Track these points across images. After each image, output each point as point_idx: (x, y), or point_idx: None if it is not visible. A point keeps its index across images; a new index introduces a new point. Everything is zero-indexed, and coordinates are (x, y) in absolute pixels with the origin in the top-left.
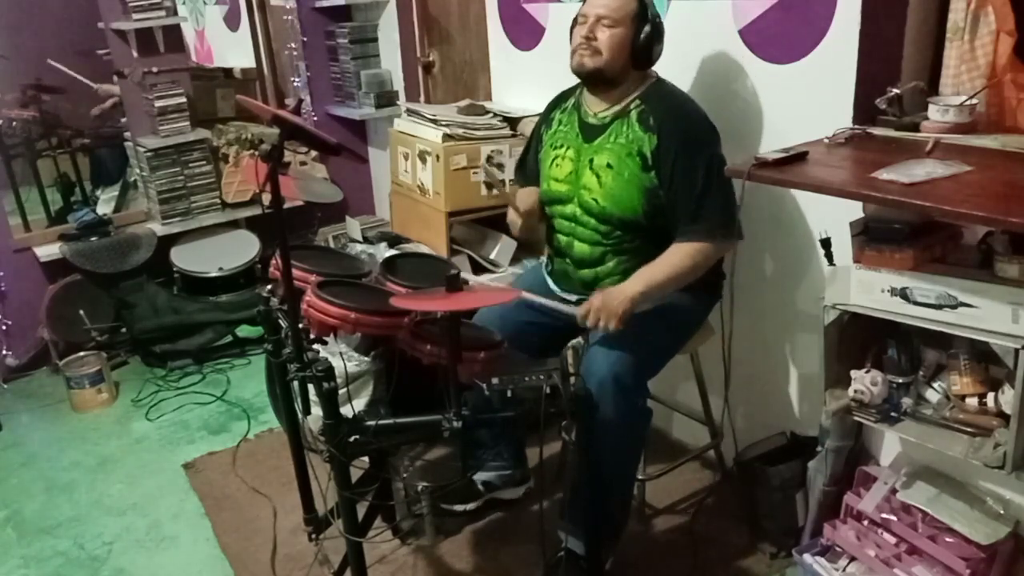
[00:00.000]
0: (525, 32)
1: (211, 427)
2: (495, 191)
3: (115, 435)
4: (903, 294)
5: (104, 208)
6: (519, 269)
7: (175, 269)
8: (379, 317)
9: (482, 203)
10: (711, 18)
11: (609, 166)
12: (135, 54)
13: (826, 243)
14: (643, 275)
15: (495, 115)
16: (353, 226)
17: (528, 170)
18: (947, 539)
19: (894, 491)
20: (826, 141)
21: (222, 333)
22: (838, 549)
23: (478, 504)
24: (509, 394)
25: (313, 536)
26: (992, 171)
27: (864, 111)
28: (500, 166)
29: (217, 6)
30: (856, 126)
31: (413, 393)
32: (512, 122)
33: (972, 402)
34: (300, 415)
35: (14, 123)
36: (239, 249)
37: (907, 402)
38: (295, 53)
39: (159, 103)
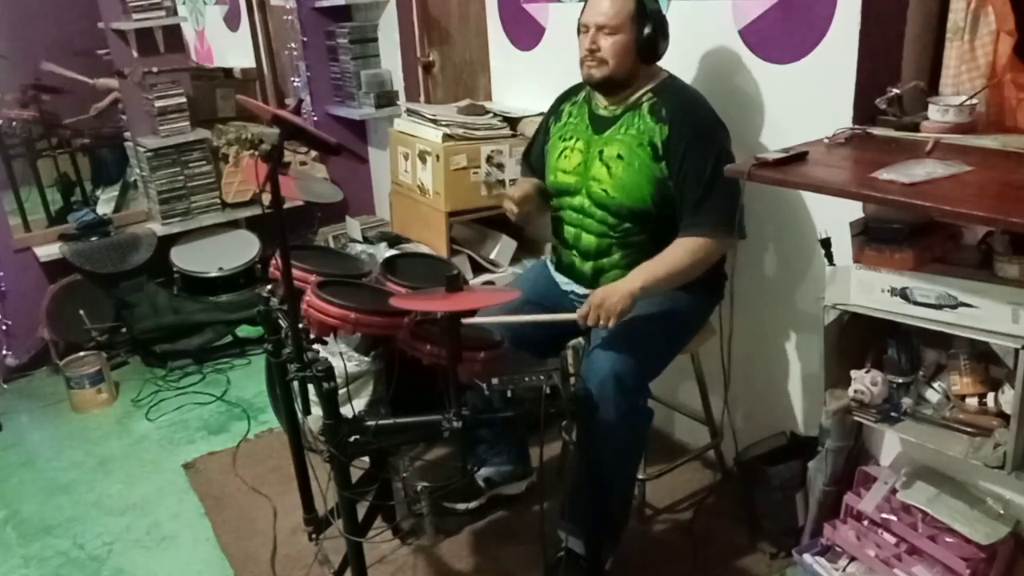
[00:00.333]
0: (525, 32)
1: (211, 427)
2: (495, 191)
3: (115, 435)
4: (903, 294)
5: (104, 208)
6: (519, 269)
7: (175, 269)
8: (379, 317)
9: (482, 203)
10: (711, 18)
11: (620, 157)
12: (135, 54)
13: (826, 243)
14: (643, 271)
15: (495, 115)
16: (353, 226)
17: (533, 161)
18: (947, 539)
19: (894, 491)
20: (826, 141)
21: (222, 333)
22: (838, 549)
23: (480, 502)
24: (509, 394)
25: (313, 536)
26: (992, 171)
27: (864, 111)
28: (500, 166)
29: (217, 6)
30: (856, 126)
31: (413, 393)
32: (512, 122)
33: (972, 402)
34: (300, 415)
35: (14, 123)
36: (239, 249)
37: (907, 402)
38: (295, 53)
39: (159, 103)
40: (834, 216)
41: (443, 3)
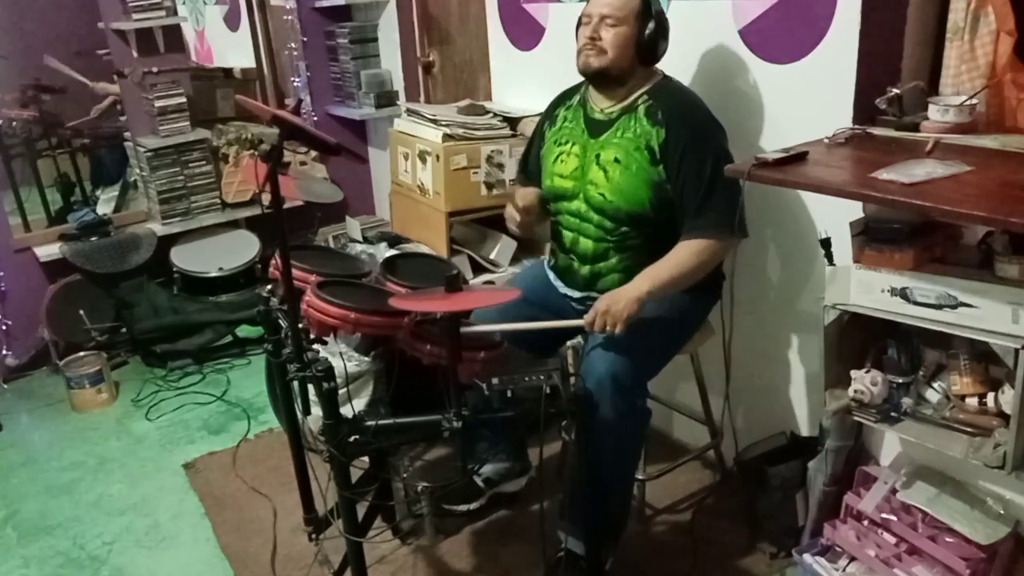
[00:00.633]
0: (525, 32)
1: (211, 427)
2: (495, 191)
3: (115, 435)
4: (903, 294)
5: (104, 208)
6: (519, 269)
7: (175, 269)
8: (379, 317)
9: (482, 203)
10: (711, 18)
11: (616, 160)
12: (135, 54)
13: (826, 243)
14: (648, 275)
15: (495, 115)
16: (353, 226)
17: (530, 169)
18: (947, 539)
19: (894, 491)
20: (826, 141)
21: (222, 333)
22: (838, 549)
23: (481, 502)
24: (509, 394)
25: (313, 536)
26: (992, 171)
27: (864, 111)
28: (500, 166)
29: (217, 6)
30: (856, 126)
31: (413, 393)
32: (512, 122)
33: (972, 402)
34: (300, 415)
35: (14, 123)
36: (239, 249)
37: (907, 402)
38: (295, 53)
39: (159, 103)
40: (834, 216)
41: (443, 3)
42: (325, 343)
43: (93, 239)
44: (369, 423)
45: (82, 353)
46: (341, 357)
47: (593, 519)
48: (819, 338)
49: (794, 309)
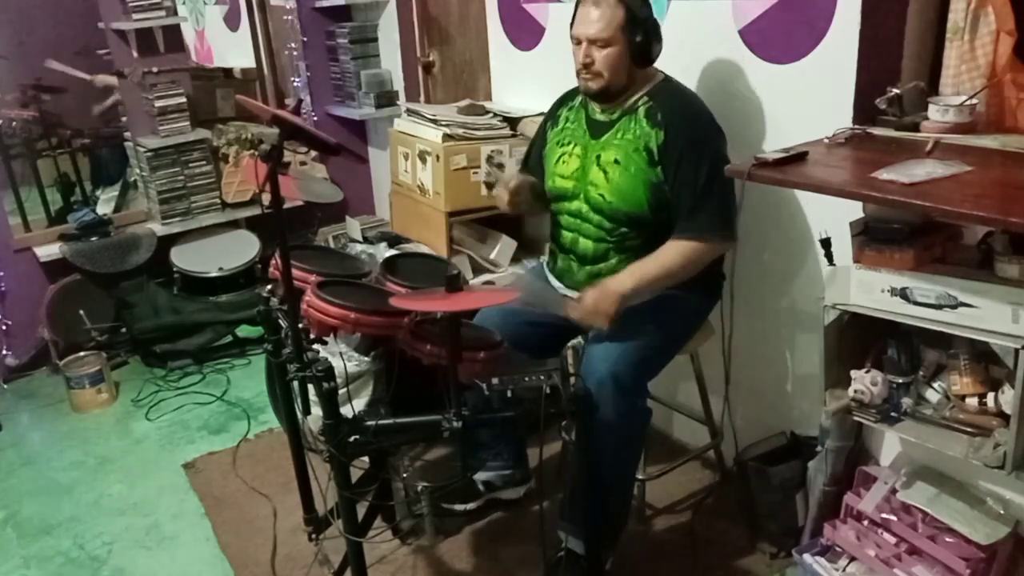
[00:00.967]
0: (525, 32)
1: (211, 427)
2: (495, 191)
3: (115, 435)
4: (903, 294)
5: (104, 208)
6: (519, 269)
7: (175, 269)
8: (379, 317)
9: (482, 203)
10: (711, 18)
11: (616, 162)
12: (135, 54)
13: (826, 243)
14: (634, 272)
15: (495, 115)
16: (353, 226)
17: (531, 168)
18: (947, 539)
19: (894, 491)
20: (826, 141)
21: (222, 333)
22: (838, 549)
23: (478, 504)
24: (509, 394)
25: (313, 536)
26: (992, 171)
27: (864, 111)
28: (500, 166)
29: (217, 6)
30: (856, 126)
31: (413, 393)
32: (512, 122)
33: (972, 402)
34: (300, 415)
35: (14, 123)
36: (239, 249)
37: (907, 402)
38: (295, 53)
39: (159, 103)
40: (834, 216)
41: (443, 3)
42: (325, 343)
43: (93, 239)
44: (369, 423)
45: (82, 353)
46: (341, 357)
47: (593, 519)
48: (819, 338)
49: (794, 309)
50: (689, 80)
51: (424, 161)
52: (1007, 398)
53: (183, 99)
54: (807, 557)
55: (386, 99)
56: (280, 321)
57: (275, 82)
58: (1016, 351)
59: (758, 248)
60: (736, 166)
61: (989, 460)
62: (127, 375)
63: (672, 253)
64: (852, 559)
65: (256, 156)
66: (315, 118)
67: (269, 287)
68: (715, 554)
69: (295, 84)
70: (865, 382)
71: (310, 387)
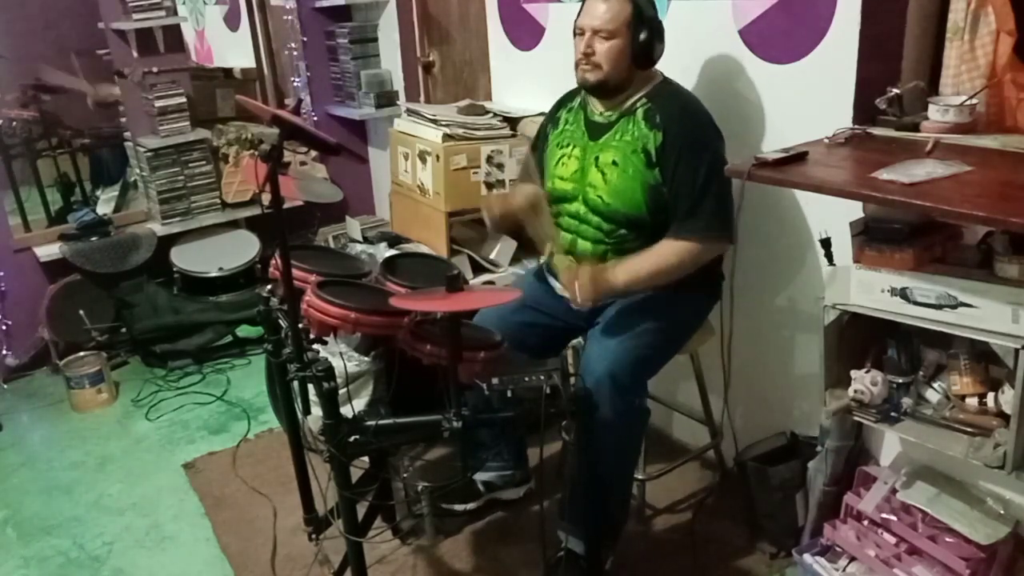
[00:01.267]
0: (525, 32)
1: (211, 427)
2: (495, 191)
3: (115, 435)
4: (903, 294)
5: (104, 208)
6: (519, 269)
7: (175, 269)
8: (379, 317)
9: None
10: (711, 18)
11: (615, 163)
12: (135, 54)
13: (826, 243)
14: (628, 267)
15: (495, 115)
16: (353, 226)
17: (535, 170)
18: (947, 539)
19: (894, 491)
20: (826, 141)
21: (222, 333)
22: (838, 549)
23: (478, 504)
24: (509, 394)
25: (313, 536)
26: (992, 171)
27: (864, 111)
28: (500, 166)
29: (217, 6)
30: (856, 126)
31: (413, 393)
32: (512, 122)
33: (972, 402)
34: (300, 415)
35: (14, 123)
36: (239, 249)
37: (907, 402)
38: (295, 53)
39: (159, 103)
40: (834, 216)
41: (443, 3)
42: (325, 343)
43: (93, 239)
44: (369, 423)
45: (82, 353)
46: (341, 357)
47: (593, 519)
48: (819, 338)
49: (794, 309)
50: (689, 80)
51: (424, 161)
52: (1007, 398)
53: (183, 99)
54: (807, 557)
55: (386, 99)
56: (280, 321)
57: (275, 82)
58: (1016, 351)
59: (758, 248)
60: (736, 166)
61: (989, 460)
62: (127, 375)
63: (667, 252)
64: (852, 559)
65: (256, 156)
66: (315, 118)
67: (269, 287)
68: (715, 554)
69: (295, 84)
70: (865, 382)
71: (310, 387)
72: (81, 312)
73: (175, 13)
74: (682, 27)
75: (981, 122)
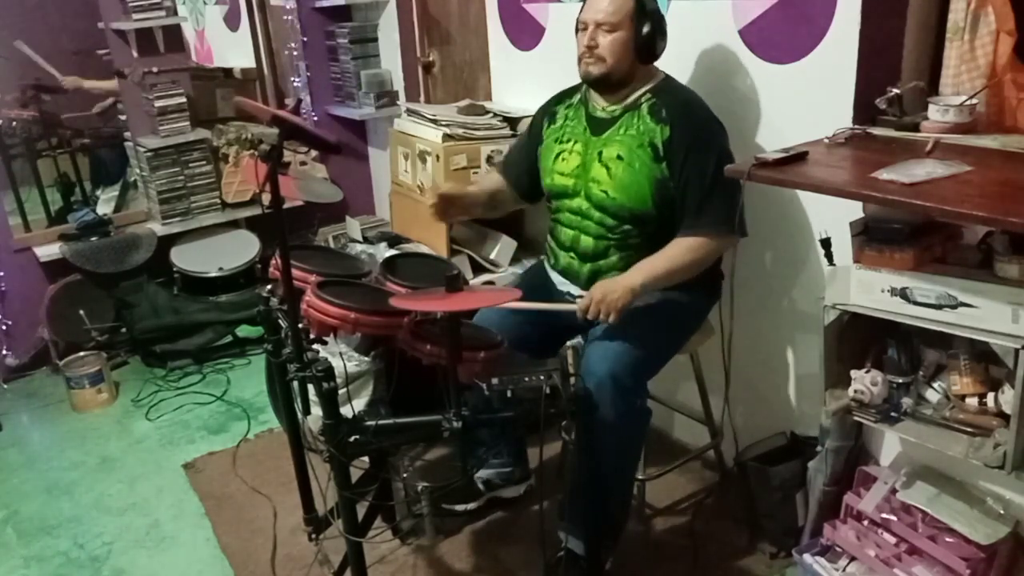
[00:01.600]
0: (525, 32)
1: (211, 427)
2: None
3: (115, 435)
4: (903, 294)
5: (104, 208)
6: (519, 269)
7: (175, 269)
8: (379, 317)
9: None
10: (711, 18)
11: (619, 158)
12: (135, 54)
13: (826, 243)
14: (643, 267)
15: (495, 115)
16: (353, 226)
17: (510, 164)
18: (947, 539)
19: (894, 491)
20: (826, 141)
21: (222, 333)
22: (838, 549)
23: (479, 504)
24: (509, 394)
25: (313, 536)
26: (992, 171)
27: (864, 111)
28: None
29: (217, 6)
30: (856, 126)
31: (413, 393)
32: (512, 122)
33: (972, 402)
34: (300, 415)
35: (14, 123)
36: (239, 249)
37: (907, 402)
38: (295, 53)
39: (159, 103)
40: (834, 216)
41: (443, 3)
42: (325, 343)
43: (93, 239)
44: (369, 423)
45: (82, 353)
46: (341, 357)
47: (593, 519)
48: (819, 338)
49: (794, 309)
50: (689, 80)
51: (424, 161)
52: (1007, 398)
53: (183, 99)
54: (807, 557)
55: (386, 99)
56: (280, 321)
57: (275, 82)
58: (1016, 351)
59: (758, 248)
60: (736, 166)
61: (989, 460)
62: (127, 375)
63: (681, 249)
64: (852, 559)
65: (256, 156)
66: (315, 118)
67: (269, 287)
68: (715, 554)
69: (295, 84)
70: (865, 382)
71: (310, 387)
72: (81, 312)
73: (175, 13)
74: (682, 27)
75: (981, 122)
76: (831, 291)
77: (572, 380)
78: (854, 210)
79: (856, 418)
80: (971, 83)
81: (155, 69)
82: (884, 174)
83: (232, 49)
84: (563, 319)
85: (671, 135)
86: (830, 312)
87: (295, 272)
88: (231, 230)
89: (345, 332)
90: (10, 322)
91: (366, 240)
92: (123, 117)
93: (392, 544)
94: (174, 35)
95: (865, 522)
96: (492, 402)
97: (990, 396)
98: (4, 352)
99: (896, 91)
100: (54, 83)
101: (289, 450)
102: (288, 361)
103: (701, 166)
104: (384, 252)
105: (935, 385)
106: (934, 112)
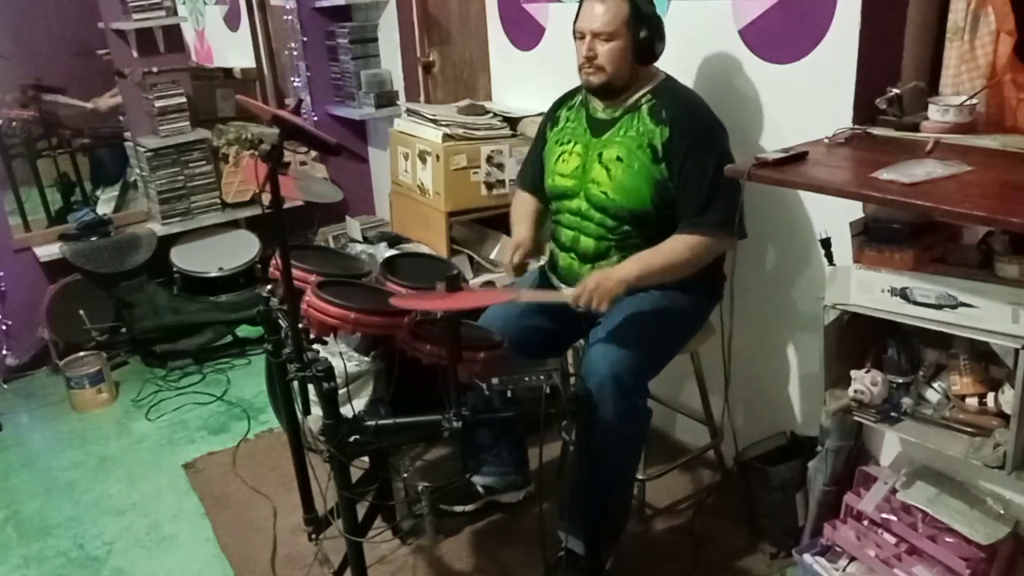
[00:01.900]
0: (525, 32)
1: (211, 427)
2: (495, 191)
3: (115, 435)
4: (903, 294)
5: (104, 208)
6: None
7: (175, 269)
8: (379, 317)
9: (482, 203)
10: (711, 18)
11: (619, 159)
12: (135, 54)
13: (826, 243)
14: (640, 260)
15: (495, 115)
16: (353, 226)
17: (528, 176)
18: (947, 539)
19: (894, 491)
20: (826, 141)
21: (222, 333)
22: (838, 549)
23: (477, 506)
24: (509, 394)
25: (313, 536)
26: (992, 171)
27: (864, 111)
28: (500, 166)
29: (217, 6)
30: (856, 126)
31: (413, 393)
32: (512, 122)
33: (972, 402)
34: (300, 415)
35: (14, 123)
36: (239, 249)
37: (907, 402)
38: (295, 53)
39: (159, 103)
40: (834, 216)
41: (443, 3)
42: (325, 343)
43: (93, 239)
44: (369, 423)
45: (82, 353)
46: (341, 357)
47: (593, 519)
48: (819, 338)
49: (794, 309)
50: (689, 80)
51: (424, 161)
52: (1007, 398)
53: (183, 99)
54: (807, 557)
55: (386, 99)
56: (280, 321)
57: (275, 82)
58: (1016, 351)
59: (758, 248)
60: (736, 166)
61: (989, 460)
62: (127, 375)
63: (679, 246)
64: (852, 559)
65: (256, 156)
66: (315, 118)
67: (269, 287)
68: (715, 554)
69: (295, 84)
70: (865, 382)
71: (310, 387)
72: (81, 312)
73: (175, 13)
74: (682, 27)
75: (981, 122)
76: (831, 291)
77: (572, 380)
78: (854, 210)
79: (856, 418)
80: (971, 83)
81: (155, 69)
82: (884, 174)
83: (232, 49)
84: (566, 322)
85: (671, 136)
86: (830, 312)
87: (295, 272)
88: (231, 230)
89: (345, 332)
90: (10, 322)
91: (366, 240)
92: (123, 117)
93: (392, 544)
94: (174, 35)
95: (865, 522)
96: (492, 402)
97: (990, 396)
98: (4, 352)
99: (896, 91)
100: (83, 111)
101: (289, 450)
102: (288, 361)
103: (701, 166)
104: (384, 252)
105: (935, 385)
106: (934, 112)
